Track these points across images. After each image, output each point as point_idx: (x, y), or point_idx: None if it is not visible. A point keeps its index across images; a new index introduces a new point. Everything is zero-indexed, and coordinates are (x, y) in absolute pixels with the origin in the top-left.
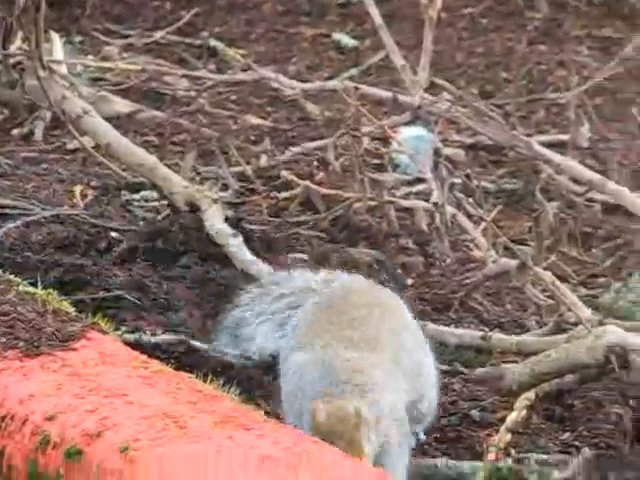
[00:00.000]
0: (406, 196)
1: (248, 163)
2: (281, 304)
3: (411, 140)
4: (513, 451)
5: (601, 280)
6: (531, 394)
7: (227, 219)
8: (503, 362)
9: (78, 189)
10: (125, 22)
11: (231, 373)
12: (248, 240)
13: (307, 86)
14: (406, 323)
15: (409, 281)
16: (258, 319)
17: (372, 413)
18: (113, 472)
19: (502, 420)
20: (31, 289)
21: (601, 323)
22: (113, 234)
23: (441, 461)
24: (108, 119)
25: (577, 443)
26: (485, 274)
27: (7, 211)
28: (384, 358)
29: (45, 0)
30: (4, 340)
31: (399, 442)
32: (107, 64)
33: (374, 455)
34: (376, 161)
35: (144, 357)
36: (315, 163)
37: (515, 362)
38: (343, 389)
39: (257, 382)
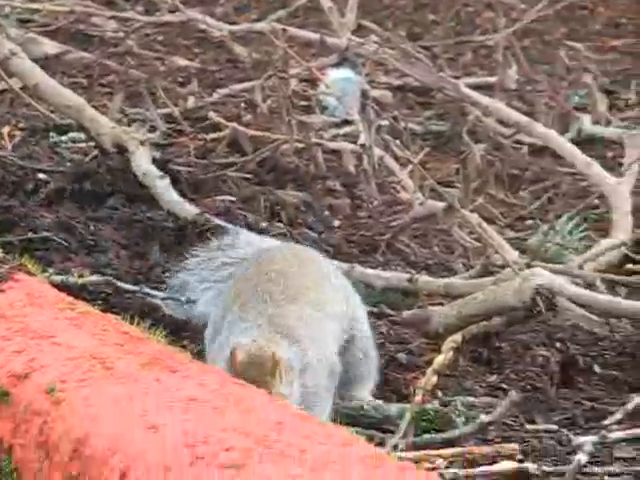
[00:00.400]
0: (334, 138)
1: (176, 105)
2: (224, 272)
3: (339, 82)
4: (440, 393)
5: (528, 223)
6: (458, 336)
7: (154, 161)
8: (430, 305)
9: (6, 130)
10: None
11: (157, 315)
12: (175, 182)
13: (235, 28)
14: (327, 273)
15: (336, 223)
16: (202, 285)
17: (300, 364)
18: (40, 413)
19: (429, 363)
20: None
21: (528, 266)
22: (41, 175)
23: (368, 403)
24: (36, 60)
25: (504, 385)
26: (412, 216)
27: None
28: (305, 309)
29: None
30: None
31: (326, 388)
32: (35, 5)
33: (297, 402)
34: (304, 103)
35: (71, 299)
36: (243, 105)
37: (442, 305)
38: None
39: (182, 324)
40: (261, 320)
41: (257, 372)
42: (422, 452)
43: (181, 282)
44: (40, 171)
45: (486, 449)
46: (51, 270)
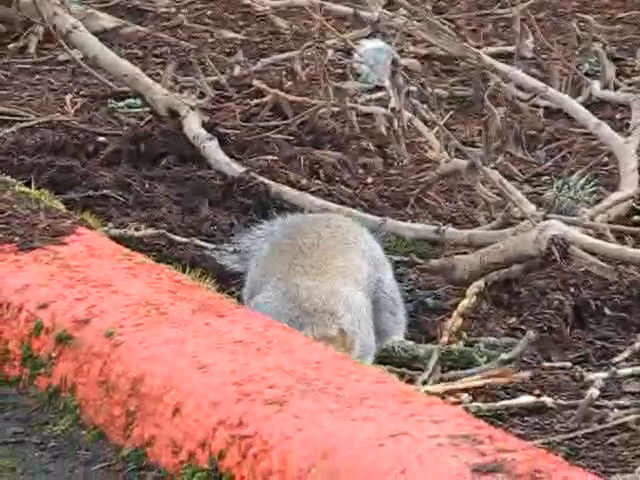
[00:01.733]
0: (367, 103)
1: (223, 73)
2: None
3: (371, 52)
4: (464, 335)
5: (544, 178)
6: (481, 282)
7: (204, 124)
8: (455, 254)
9: (68, 98)
10: None
11: (207, 265)
12: (223, 143)
13: (276, 2)
14: (355, 241)
15: (369, 180)
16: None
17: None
18: (100, 354)
19: (454, 307)
20: (25, 189)
21: (544, 218)
22: (100, 138)
23: (399, 344)
24: (95, 34)
25: (522, 327)
26: (439, 173)
27: (4, 117)
28: (338, 280)
29: None
30: (1, 235)
31: (370, 347)
32: None
33: None
34: (339, 71)
35: (128, 250)
36: (284, 73)
37: (466, 254)
38: (313, 318)
39: (231, 273)
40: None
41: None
42: (448, 386)
43: (244, 246)
44: (99, 134)
45: (502, 380)
46: (110, 224)
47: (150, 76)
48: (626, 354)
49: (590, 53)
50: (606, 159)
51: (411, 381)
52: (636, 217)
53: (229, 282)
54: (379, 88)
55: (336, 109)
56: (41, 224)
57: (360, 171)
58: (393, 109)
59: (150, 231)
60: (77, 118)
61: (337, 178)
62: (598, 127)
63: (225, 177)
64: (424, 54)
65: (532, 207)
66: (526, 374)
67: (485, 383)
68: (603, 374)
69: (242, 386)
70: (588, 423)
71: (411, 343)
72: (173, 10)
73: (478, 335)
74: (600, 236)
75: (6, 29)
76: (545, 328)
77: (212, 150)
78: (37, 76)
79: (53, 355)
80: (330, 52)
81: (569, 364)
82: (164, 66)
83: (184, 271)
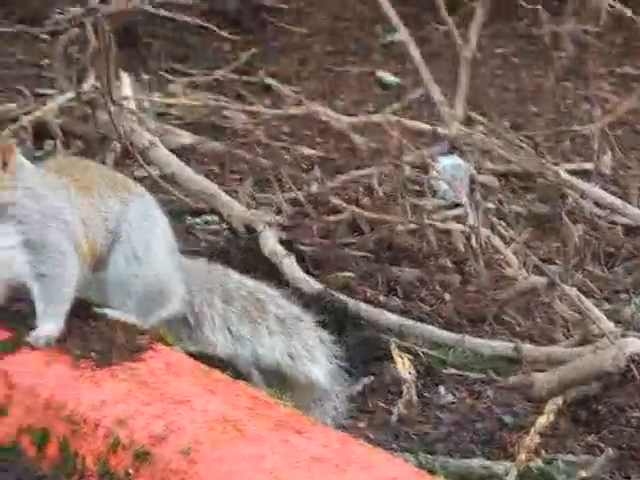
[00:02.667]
0: (444, 219)
1: (300, 189)
2: None
3: (448, 168)
4: (543, 452)
5: (623, 296)
6: (559, 400)
7: (281, 240)
8: (533, 371)
9: None
10: (189, 62)
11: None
12: (300, 259)
13: (353, 119)
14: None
15: (447, 297)
16: None
17: None
18: (177, 472)
19: (532, 424)
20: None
21: (623, 335)
22: None
23: (476, 461)
24: (173, 150)
25: (601, 444)
26: (516, 290)
27: None
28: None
29: (115, 42)
30: (78, 352)
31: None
32: (172, 100)
33: None
34: (417, 187)
35: (206, 367)
36: (361, 189)
37: (544, 371)
38: None
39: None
40: None
41: None
42: None
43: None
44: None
45: None
46: (187, 341)
47: (227, 192)
48: None
49: None
50: None
51: None
52: None
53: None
54: (457, 205)
55: (413, 226)
56: (119, 340)
57: (437, 288)
58: (471, 226)
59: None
60: None
61: (414, 295)
62: None
63: (302, 294)
64: (502, 171)
65: (610, 324)
66: None
67: None
68: None
69: None
70: None
71: (489, 462)
72: (250, 127)
73: (556, 452)
74: None
75: (84, 146)
76: (624, 446)
77: (289, 266)
78: None
79: (130, 471)
80: (407, 169)
81: None
82: (241, 183)
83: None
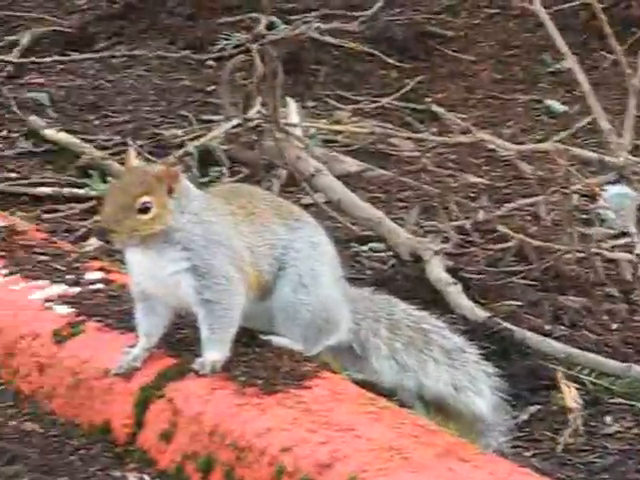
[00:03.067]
0: (612, 248)
1: (467, 218)
2: None
3: (616, 197)
4: None
5: None
6: None
7: (447, 268)
8: None
9: None
10: (354, 89)
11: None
12: (466, 288)
13: (521, 147)
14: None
15: (614, 326)
16: None
17: None
18: None
19: None
20: None
21: None
22: None
23: None
24: (339, 177)
25: None
26: None
27: None
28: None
29: (281, 68)
30: (244, 379)
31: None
32: (338, 127)
33: None
34: (584, 216)
35: (372, 394)
36: (528, 218)
37: None
38: None
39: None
40: None
41: None
42: None
43: None
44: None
45: None
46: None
47: (394, 220)
48: None
49: None
50: None
51: None
52: None
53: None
54: (624, 234)
55: (581, 254)
56: (284, 367)
57: (604, 317)
58: (638, 255)
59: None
60: None
61: (581, 324)
62: None
63: (468, 322)
64: None
65: None
66: None
67: None
68: None
69: None
70: None
71: None
72: (417, 154)
73: None
74: None
75: (249, 172)
76: None
77: (455, 295)
78: None
79: None
80: (575, 197)
81: None
82: (408, 210)
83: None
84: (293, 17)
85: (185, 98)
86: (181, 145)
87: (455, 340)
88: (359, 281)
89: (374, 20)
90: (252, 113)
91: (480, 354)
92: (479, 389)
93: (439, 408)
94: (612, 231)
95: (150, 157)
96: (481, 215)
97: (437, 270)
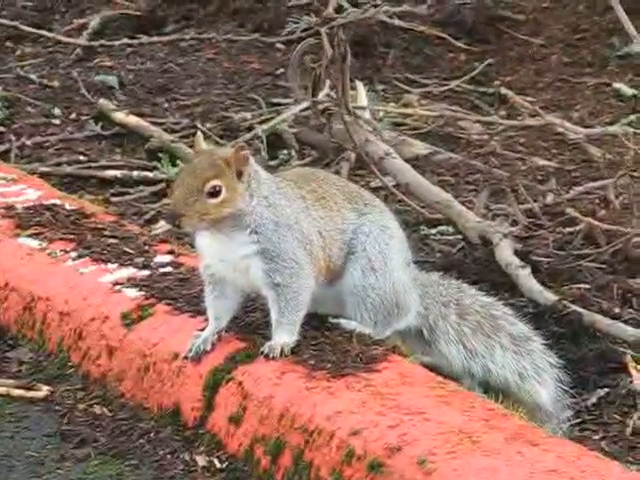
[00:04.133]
0: None
1: (535, 201)
2: None
3: None
4: None
5: None
6: None
7: (516, 252)
8: None
9: None
10: (423, 72)
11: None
12: (535, 271)
13: (590, 131)
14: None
15: None
16: None
17: None
18: None
19: None
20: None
21: None
22: None
23: None
24: (407, 160)
25: None
26: None
27: None
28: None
29: (350, 51)
30: (313, 362)
31: None
32: (407, 110)
33: None
34: None
35: (441, 378)
36: (597, 201)
37: None
38: None
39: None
40: None
41: None
42: None
43: None
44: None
45: None
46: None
47: (463, 203)
48: None
49: None
50: None
51: None
52: None
53: None
54: None
55: None
56: (353, 351)
57: None
58: None
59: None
60: None
61: None
62: None
63: (537, 305)
64: None
65: None
66: None
67: None
68: None
69: None
70: None
71: None
72: (486, 137)
73: None
74: None
75: (318, 155)
76: None
77: (524, 278)
78: None
79: None
80: None
81: None
82: (477, 193)
83: (496, 399)
84: (362, 0)
85: (254, 81)
86: (250, 128)
87: (522, 328)
88: (428, 264)
89: (443, 3)
90: (321, 96)
91: (547, 341)
92: (543, 379)
93: (501, 396)
94: None
95: (219, 140)
96: (550, 198)
97: (506, 253)
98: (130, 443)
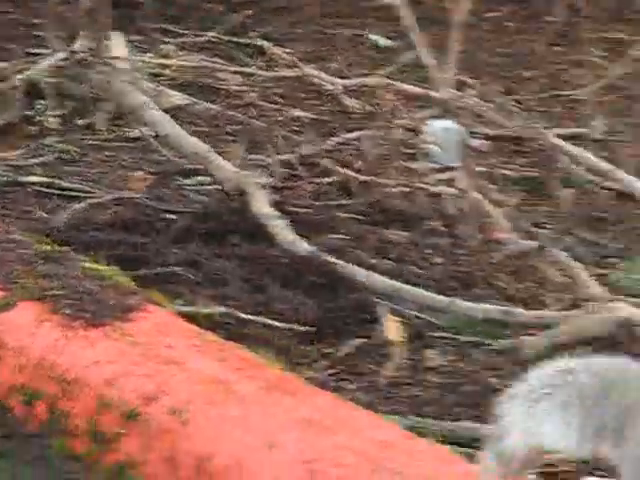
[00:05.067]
0: (436, 183)
1: (292, 152)
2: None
3: (441, 132)
4: None
5: (613, 260)
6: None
7: (273, 202)
8: (523, 335)
9: (139, 175)
10: (180, 22)
11: (274, 344)
12: (292, 222)
13: (347, 82)
14: None
15: (438, 260)
16: None
17: None
18: (169, 431)
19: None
20: (95, 265)
21: (611, 300)
22: (169, 216)
23: (465, 424)
24: (166, 111)
25: None
26: (507, 254)
27: (75, 194)
28: None
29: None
30: (70, 311)
31: None
32: (165, 61)
33: None
34: (408, 151)
35: (197, 328)
36: (354, 152)
37: (534, 335)
38: None
39: (299, 352)
40: None
41: None
42: None
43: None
44: (169, 212)
45: None
46: (179, 301)
47: (220, 154)
48: None
49: None
50: None
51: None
52: None
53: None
54: (448, 168)
55: (405, 189)
56: (110, 300)
57: (429, 251)
58: (462, 189)
59: (219, 309)
60: (147, 195)
61: (406, 258)
62: None
63: (294, 256)
64: (494, 135)
65: (600, 289)
66: None
67: None
68: None
69: (310, 464)
70: None
71: (477, 425)
72: (245, 88)
73: None
74: None
75: (76, 106)
76: None
77: (281, 229)
78: (107, 153)
79: (121, 431)
80: (400, 132)
81: None
82: (234, 144)
83: (252, 350)
84: None
85: (10, 31)
86: (5, 78)
87: None
88: (186, 215)
89: None
90: (78, 46)
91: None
92: None
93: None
94: (436, 165)
95: None
96: (306, 149)
97: (262, 204)
98: None
